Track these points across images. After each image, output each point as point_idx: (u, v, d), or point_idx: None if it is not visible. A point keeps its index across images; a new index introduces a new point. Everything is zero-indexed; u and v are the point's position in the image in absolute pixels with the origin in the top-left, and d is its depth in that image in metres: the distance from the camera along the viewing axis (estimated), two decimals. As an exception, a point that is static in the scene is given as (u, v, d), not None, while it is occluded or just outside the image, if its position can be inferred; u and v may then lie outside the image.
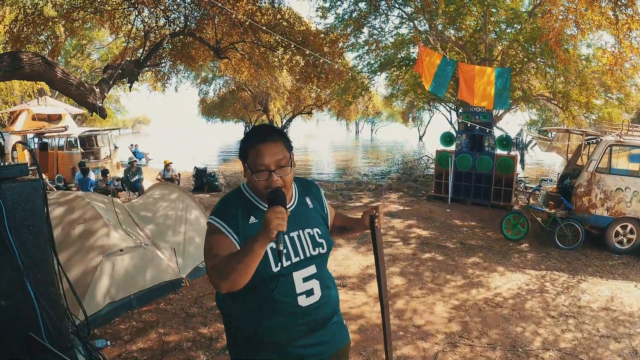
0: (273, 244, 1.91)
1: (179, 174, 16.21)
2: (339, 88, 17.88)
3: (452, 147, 12.61)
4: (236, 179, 18.94)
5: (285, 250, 2.02)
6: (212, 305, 5.66)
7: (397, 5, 16.53)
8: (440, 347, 4.69)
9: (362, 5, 16.27)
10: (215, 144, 53.11)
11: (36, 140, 18.34)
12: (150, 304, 5.69)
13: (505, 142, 11.75)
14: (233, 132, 64.43)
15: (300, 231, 2.14)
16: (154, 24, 11.28)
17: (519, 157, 11.96)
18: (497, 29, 16.89)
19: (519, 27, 15.58)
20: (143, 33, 11.12)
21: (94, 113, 5.48)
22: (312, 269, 2.14)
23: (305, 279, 2.12)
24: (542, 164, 24.59)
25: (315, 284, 2.14)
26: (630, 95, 18.84)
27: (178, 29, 11.37)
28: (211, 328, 5.09)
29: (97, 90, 5.24)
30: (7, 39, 11.25)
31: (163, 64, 14.36)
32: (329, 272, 2.32)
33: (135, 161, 14.85)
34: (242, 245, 1.99)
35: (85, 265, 5.42)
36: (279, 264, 1.93)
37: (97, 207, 6.07)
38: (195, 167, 17.24)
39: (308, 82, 15.70)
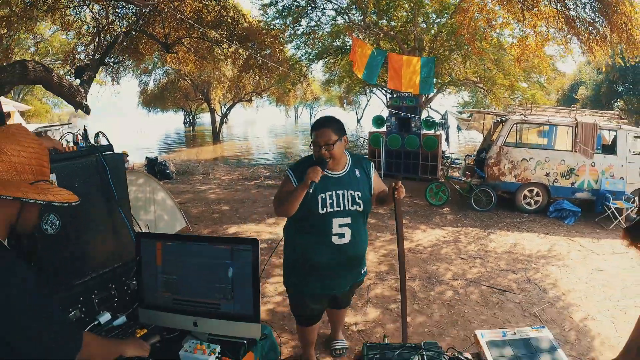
0: (323, 194, 3.09)
1: (133, 165, 16.74)
2: (279, 76, 18.62)
3: (383, 129, 13.94)
4: (185, 166, 19.49)
5: (338, 209, 3.11)
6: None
7: (332, 0, 17.39)
8: (372, 282, 6.04)
9: (300, 1, 17.09)
10: (156, 134, 52.55)
11: None
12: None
13: (430, 123, 13.15)
14: (173, 122, 63.73)
15: (345, 191, 3.13)
16: (105, 21, 11.66)
17: (444, 136, 13.36)
18: (427, 20, 18.11)
19: (444, 19, 16.79)
20: (95, 30, 11.57)
21: (79, 110, 6.33)
22: (347, 220, 3.15)
23: (341, 225, 3.15)
24: (475, 142, 26.12)
25: (347, 231, 3.16)
26: (551, 79, 20.37)
27: (127, 24, 11.79)
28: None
29: (82, 90, 6.14)
30: None
31: (117, 62, 14.79)
32: (365, 230, 3.37)
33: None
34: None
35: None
36: (324, 208, 3.09)
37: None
38: (146, 157, 17.73)
39: (250, 73, 16.46)
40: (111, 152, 2.81)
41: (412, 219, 9.42)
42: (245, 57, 14.51)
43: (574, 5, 10.82)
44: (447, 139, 13.55)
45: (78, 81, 6.75)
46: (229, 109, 38.83)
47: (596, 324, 5.03)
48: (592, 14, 10.64)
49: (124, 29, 11.37)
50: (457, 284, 5.98)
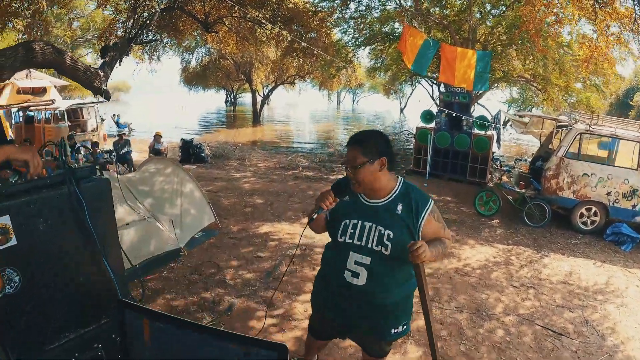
0: (347, 220, 2.65)
1: (167, 147, 16.37)
2: (324, 61, 18.05)
3: (432, 125, 13.08)
4: (222, 150, 19.09)
5: (357, 243, 2.61)
6: (211, 272, 6.18)
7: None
8: (414, 309, 5.22)
9: None
10: (197, 112, 52.69)
11: (20, 113, 18.39)
12: (154, 273, 6.15)
13: (483, 123, 12.23)
14: (215, 100, 63.85)
15: (373, 225, 2.59)
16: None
17: (495, 137, 12.46)
18: (482, 10, 17.13)
19: (503, 10, 15.84)
20: (132, 7, 11.16)
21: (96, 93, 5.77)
22: (366, 259, 2.60)
23: (357, 263, 2.62)
24: (520, 142, 25.09)
25: (362, 272, 2.61)
26: (609, 83, 19.22)
27: (166, 1, 11.34)
28: (213, 292, 5.58)
29: (102, 74, 5.54)
30: None
31: (154, 40, 14.41)
32: (399, 279, 2.69)
33: (124, 134, 14.98)
34: (330, 210, 2.63)
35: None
36: (343, 237, 2.65)
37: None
38: (182, 139, 17.38)
39: (294, 56, 15.92)
40: (95, 177, 2.11)
41: (460, 230, 8.60)
42: (289, 40, 13.83)
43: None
44: (498, 141, 12.67)
45: (100, 62, 6.19)
46: (271, 90, 38.72)
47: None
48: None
49: (162, 5, 10.89)
50: (509, 321, 5.22)
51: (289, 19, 13.04)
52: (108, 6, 11.88)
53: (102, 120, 19.24)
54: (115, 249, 2.22)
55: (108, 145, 16.85)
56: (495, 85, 21.82)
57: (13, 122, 18.72)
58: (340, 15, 17.73)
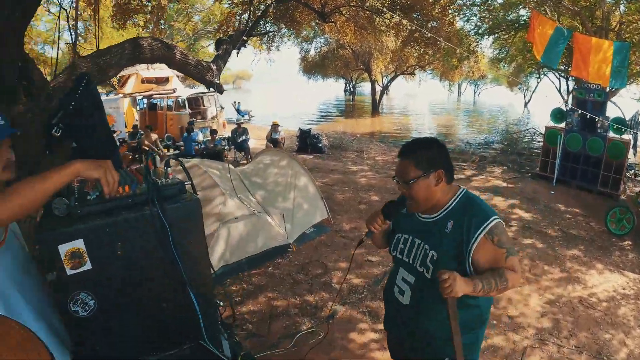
0: (400, 234, 2.43)
1: (284, 136, 16.51)
2: (445, 51, 17.33)
3: (562, 125, 11.96)
4: (339, 140, 18.99)
5: (404, 260, 2.36)
6: (317, 273, 5.99)
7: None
8: (529, 342, 4.69)
9: None
10: (316, 101, 53.30)
11: (145, 101, 19.53)
12: (259, 267, 6.09)
13: (620, 125, 10.96)
14: (333, 90, 64.29)
15: (422, 242, 2.28)
16: None
17: (632, 142, 11.13)
18: None
19: None
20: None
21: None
22: (411, 278, 2.33)
23: (404, 280, 2.37)
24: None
25: (408, 291, 2.35)
26: None
27: None
28: (316, 296, 5.39)
29: (214, 67, 5.50)
30: (114, 11, 11.72)
31: (270, 31, 14.50)
32: (442, 307, 2.12)
33: (242, 123, 15.30)
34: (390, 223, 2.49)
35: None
36: (395, 251, 2.43)
37: (213, 176, 6.50)
38: (299, 129, 17.53)
39: (414, 46, 15.45)
40: (184, 197, 1.90)
41: (587, 250, 7.57)
42: (409, 29, 13.36)
43: None
44: (634, 146, 11.29)
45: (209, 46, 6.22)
46: (390, 80, 38.40)
47: None
48: None
49: None
50: None
51: (409, 7, 12.61)
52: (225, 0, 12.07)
53: (222, 108, 19.86)
54: (205, 275, 2.00)
55: (227, 132, 17.32)
56: (631, 80, 19.90)
57: (138, 108, 20.00)
58: (463, 2, 16.87)
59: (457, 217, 2.20)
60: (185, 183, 2.01)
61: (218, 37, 10.58)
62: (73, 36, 4.84)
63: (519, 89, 50.64)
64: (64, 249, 1.66)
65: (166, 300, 1.92)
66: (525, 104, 50.98)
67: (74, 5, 5.08)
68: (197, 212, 1.92)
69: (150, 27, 12.36)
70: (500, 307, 5.38)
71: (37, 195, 1.59)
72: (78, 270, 1.70)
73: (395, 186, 2.32)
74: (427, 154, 2.22)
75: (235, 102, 30.30)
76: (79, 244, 1.67)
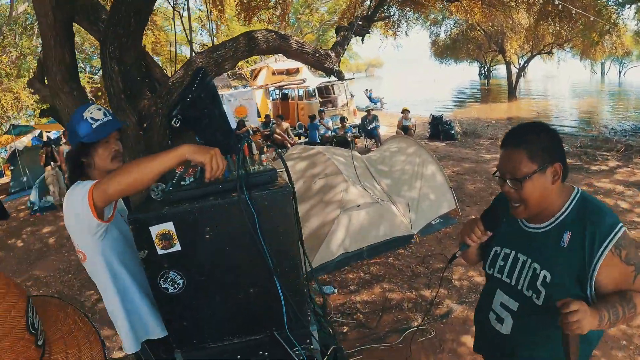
0: (498, 248, 1.98)
1: (415, 123, 16.31)
2: (583, 25, 15.99)
3: None
4: (473, 127, 18.35)
5: (504, 280, 1.93)
6: (437, 267, 5.77)
7: None
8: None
9: None
10: (449, 86, 52.10)
11: (277, 92, 20.34)
12: (379, 257, 6.04)
13: None
14: (467, 74, 62.45)
15: (528, 259, 1.86)
16: None
17: None
18: None
19: None
20: None
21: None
22: (514, 304, 1.92)
23: (503, 305, 1.96)
24: None
25: (508, 319, 1.94)
26: None
27: None
28: (434, 292, 5.19)
29: (333, 54, 5.51)
30: (239, 9, 12.14)
31: (392, 15, 14.31)
32: (550, 336, 1.82)
33: (372, 109, 15.36)
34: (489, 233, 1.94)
35: (324, 218, 5.95)
36: (492, 268, 2.00)
37: (337, 163, 6.56)
38: (431, 115, 17.27)
39: (549, 22, 14.57)
40: (274, 186, 1.91)
41: None
42: (541, 2, 12.59)
43: None
44: None
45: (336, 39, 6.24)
46: (527, 62, 36.56)
47: None
48: None
49: None
50: None
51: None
52: None
53: (352, 96, 20.12)
54: (293, 264, 1.99)
55: (357, 120, 17.50)
56: None
57: (271, 99, 20.90)
58: None
59: (575, 227, 1.76)
60: (278, 170, 2.01)
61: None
62: (188, 35, 5.11)
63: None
64: (155, 230, 1.76)
65: (253, 286, 1.97)
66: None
67: (187, 5, 5.42)
68: (287, 201, 1.90)
69: (277, 22, 12.73)
70: (634, 325, 4.33)
71: (145, 174, 1.75)
72: (168, 251, 1.80)
73: (498, 185, 1.86)
74: (543, 142, 1.76)
75: (367, 90, 30.48)
76: (169, 226, 1.76)
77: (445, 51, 40.21)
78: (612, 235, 1.66)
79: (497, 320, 1.98)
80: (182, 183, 1.88)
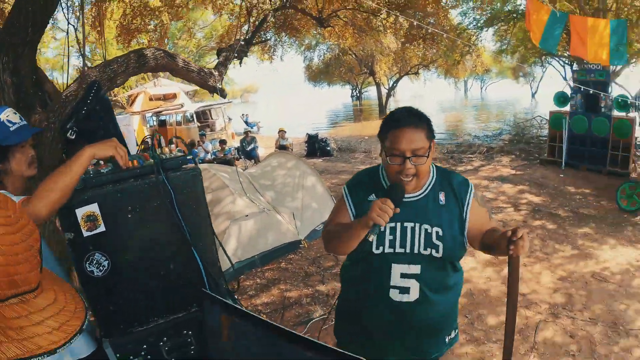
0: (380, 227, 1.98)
1: (292, 142, 16.84)
2: (446, 47, 17.50)
3: (567, 108, 12.07)
4: (347, 143, 19.23)
5: (373, 240, 1.89)
6: (329, 265, 6.15)
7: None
8: (542, 317, 4.78)
9: None
10: (323, 108, 53.60)
11: (154, 118, 20.13)
12: (272, 263, 6.29)
13: (623, 102, 11.10)
14: (340, 96, 64.55)
15: (417, 224, 2.03)
16: (256, 1, 11.36)
17: (638, 119, 11.25)
18: None
19: None
20: (246, 10, 11.50)
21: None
22: (415, 269, 2.05)
23: (404, 276, 2.06)
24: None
25: (413, 285, 2.06)
26: None
27: (279, 2, 11.43)
28: (328, 286, 5.55)
29: (216, 73, 5.75)
30: (118, 31, 12.10)
31: (269, 39, 14.79)
32: (454, 283, 2.20)
33: (250, 131, 15.68)
34: (354, 217, 2.10)
35: (215, 230, 6.07)
36: (380, 247, 2.03)
37: (222, 178, 6.75)
38: (307, 134, 17.87)
39: (415, 45, 15.69)
40: (185, 167, 2.17)
41: (599, 228, 7.64)
42: (406, 27, 13.60)
43: None
44: None
45: (215, 62, 6.46)
46: (396, 82, 38.56)
47: None
48: None
49: (275, 6, 11.15)
50: None
51: (404, 5, 12.76)
52: (224, 13, 12.40)
53: (230, 119, 20.32)
54: (207, 239, 2.23)
55: (236, 143, 17.71)
56: (634, 60, 19.91)
57: (148, 125, 20.60)
58: None
59: (444, 187, 2.09)
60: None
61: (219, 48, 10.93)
62: (82, 47, 5.12)
63: (521, 76, 50.55)
64: (80, 212, 1.87)
65: (172, 261, 2.13)
66: (533, 95, 50.90)
67: (82, 19, 5.38)
68: (198, 180, 2.15)
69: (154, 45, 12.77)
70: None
71: (67, 187, 1.81)
72: (93, 232, 1.90)
73: (393, 164, 1.97)
74: (428, 120, 2.05)
75: (243, 115, 30.72)
76: (94, 208, 1.89)
77: (319, 75, 41.39)
78: (470, 186, 2.10)
79: (401, 293, 2.07)
80: (102, 171, 2.01)
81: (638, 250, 6.63)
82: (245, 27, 11.57)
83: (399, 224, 2.02)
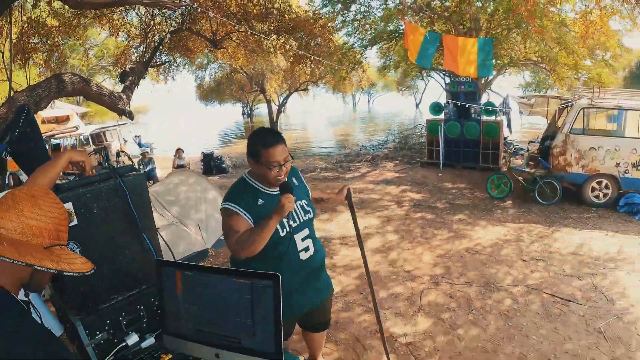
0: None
1: (189, 161, 16.99)
2: (331, 65, 18.31)
3: (441, 116, 13.44)
4: (242, 160, 19.62)
5: (295, 225, 2.79)
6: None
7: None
8: (425, 286, 5.67)
9: None
10: (215, 127, 53.43)
11: (47, 141, 19.50)
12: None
13: (490, 109, 12.57)
14: (232, 114, 64.59)
15: (297, 202, 2.86)
16: (152, 22, 11.73)
17: (505, 122, 12.77)
18: None
19: None
20: (143, 32, 11.65)
21: (122, 115, 6.39)
22: (305, 231, 2.89)
23: (303, 239, 2.87)
24: (538, 126, 24.96)
25: (309, 242, 2.92)
26: (617, 57, 19.22)
27: (175, 24, 11.76)
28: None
29: (124, 96, 6.14)
30: (15, 51, 11.82)
31: (167, 62, 14.99)
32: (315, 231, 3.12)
33: (147, 152, 15.69)
34: (254, 222, 2.65)
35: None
36: (284, 229, 2.71)
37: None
38: (202, 152, 18.11)
39: (303, 64, 16.35)
40: (132, 174, 2.68)
41: (472, 213, 8.93)
42: (294, 49, 14.29)
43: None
44: (509, 126, 12.97)
45: (121, 87, 6.80)
46: (286, 99, 39.05)
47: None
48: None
49: (172, 28, 11.49)
50: (517, 292, 5.49)
51: (293, 28, 13.43)
52: (120, 33, 12.46)
53: (125, 141, 20.12)
54: (152, 228, 2.76)
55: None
56: (504, 70, 21.88)
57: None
58: (343, 19, 18.00)
59: (291, 176, 2.98)
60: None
61: (119, 70, 11.06)
62: (9, 74, 5.33)
63: (407, 92, 53.17)
64: None
65: (128, 248, 2.65)
66: (417, 105, 53.89)
67: (9, 45, 5.54)
68: (144, 183, 2.71)
69: (46, 65, 12.50)
70: (398, 266, 6.37)
71: (52, 179, 2.22)
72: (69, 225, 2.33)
73: (273, 172, 2.66)
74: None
75: (136, 137, 30.20)
76: (69, 206, 2.33)
77: (210, 94, 41.19)
78: (295, 169, 3.10)
79: (305, 251, 2.88)
80: (69, 178, 2.49)
81: (506, 227, 7.94)
82: (141, 48, 11.82)
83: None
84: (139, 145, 28.37)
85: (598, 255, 6.65)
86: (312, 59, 14.32)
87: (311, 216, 2.97)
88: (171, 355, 2.37)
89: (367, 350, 4.32)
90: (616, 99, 9.89)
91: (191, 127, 55.37)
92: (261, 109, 60.37)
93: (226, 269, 2.35)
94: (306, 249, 2.90)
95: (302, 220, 2.88)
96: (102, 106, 6.03)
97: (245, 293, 2.11)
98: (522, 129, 24.23)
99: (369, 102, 77.87)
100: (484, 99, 16.89)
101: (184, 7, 10.56)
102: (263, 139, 2.69)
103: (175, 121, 69.49)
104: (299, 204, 2.90)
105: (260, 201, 2.74)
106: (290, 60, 16.08)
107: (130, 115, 6.28)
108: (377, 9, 18.70)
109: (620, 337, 4.50)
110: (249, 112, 56.95)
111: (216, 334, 2.23)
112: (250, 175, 2.85)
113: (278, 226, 2.66)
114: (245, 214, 2.67)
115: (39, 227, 1.58)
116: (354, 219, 3.49)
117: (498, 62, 18.82)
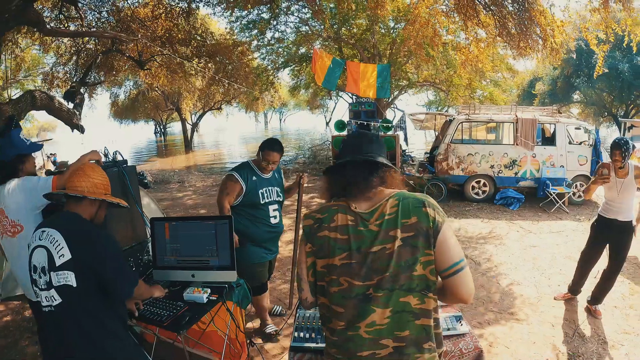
0: (262, 190, 4.36)
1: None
2: (247, 85, 18.99)
3: (345, 132, 14.83)
4: (162, 176, 20.28)
5: (270, 200, 4.44)
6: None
7: (294, 13, 18.05)
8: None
9: (264, 15, 17.58)
10: (127, 145, 52.63)
11: None
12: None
13: (387, 125, 14.16)
14: (144, 132, 63.71)
15: (272, 187, 4.44)
16: (81, 42, 12.35)
17: (402, 136, 14.39)
18: (386, 27, 18.75)
19: (402, 26, 17.20)
20: (75, 51, 12.27)
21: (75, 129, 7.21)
22: (275, 206, 4.49)
23: (274, 210, 4.47)
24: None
25: (277, 214, 4.50)
26: (506, 78, 21.51)
27: (104, 46, 12.14)
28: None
29: (77, 113, 7.03)
30: None
31: (102, 81, 15.67)
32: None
33: (64, 171, 15.93)
34: (246, 188, 4.22)
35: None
36: (264, 199, 4.35)
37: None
38: (123, 168, 18.52)
39: (219, 84, 17.21)
40: (126, 165, 3.85)
41: None
42: (214, 70, 15.32)
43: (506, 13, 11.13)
44: (405, 139, 14.53)
45: (71, 105, 7.55)
46: (200, 117, 39.29)
47: (520, 288, 6.07)
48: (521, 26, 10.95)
49: (104, 48, 12.02)
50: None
51: (213, 53, 14.47)
52: (51, 51, 12.77)
53: (48, 157, 20.15)
54: (140, 202, 3.94)
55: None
56: (404, 91, 23.58)
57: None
58: (259, 43, 18.93)
59: (275, 172, 4.54)
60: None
61: (47, 86, 11.55)
62: None
63: (318, 110, 54.66)
64: None
65: (129, 215, 3.81)
66: (327, 124, 55.58)
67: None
68: (135, 172, 3.92)
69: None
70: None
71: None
72: None
73: (266, 165, 4.35)
74: (282, 145, 4.40)
75: (50, 155, 29.68)
76: None
77: (124, 111, 40.34)
78: (281, 170, 4.72)
79: (274, 219, 4.53)
80: None
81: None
82: (70, 65, 12.32)
83: (267, 188, 4.40)
84: (54, 164, 27.98)
85: (472, 236, 8.46)
86: (227, 83, 15.25)
87: (280, 199, 4.53)
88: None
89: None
90: (489, 114, 11.87)
91: (103, 144, 54.02)
92: (174, 128, 59.91)
93: (199, 217, 3.70)
94: (274, 217, 4.46)
95: (274, 199, 4.44)
96: (61, 120, 6.70)
97: (211, 229, 3.44)
98: (426, 144, 26.18)
99: (280, 120, 79.23)
100: (389, 115, 18.88)
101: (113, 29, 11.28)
102: (268, 144, 4.29)
103: (86, 139, 67.30)
104: (275, 189, 4.45)
105: (254, 178, 4.29)
106: (208, 80, 16.87)
107: (82, 130, 7.11)
108: (290, 33, 19.83)
109: (483, 285, 6.17)
110: (162, 130, 56.46)
111: (191, 260, 3.50)
112: (253, 162, 4.40)
113: (260, 196, 4.28)
114: (242, 182, 4.21)
115: (99, 183, 2.71)
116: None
117: (398, 83, 20.72)
